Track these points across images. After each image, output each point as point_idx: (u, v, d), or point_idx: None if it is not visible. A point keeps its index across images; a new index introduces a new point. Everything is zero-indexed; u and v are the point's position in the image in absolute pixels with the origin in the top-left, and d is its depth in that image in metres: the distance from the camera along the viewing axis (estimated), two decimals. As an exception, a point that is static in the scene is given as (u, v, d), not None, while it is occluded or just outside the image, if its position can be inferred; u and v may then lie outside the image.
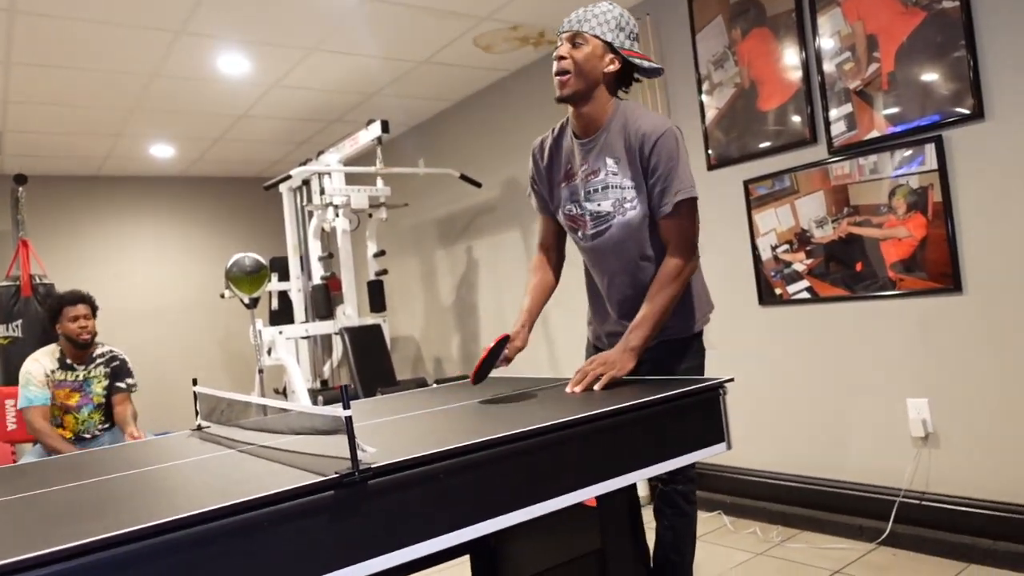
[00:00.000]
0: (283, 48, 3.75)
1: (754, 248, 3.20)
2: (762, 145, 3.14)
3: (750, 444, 3.31)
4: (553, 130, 2.08)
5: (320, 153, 4.89)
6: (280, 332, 4.50)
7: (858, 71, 2.79)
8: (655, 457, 1.43)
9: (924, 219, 2.63)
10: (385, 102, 4.82)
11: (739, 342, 3.30)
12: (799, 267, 3.05)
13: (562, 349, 4.30)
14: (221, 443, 1.53)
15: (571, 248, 2.14)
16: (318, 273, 4.76)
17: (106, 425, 3.40)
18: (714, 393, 1.57)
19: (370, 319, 4.67)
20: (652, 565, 2.01)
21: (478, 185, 4.66)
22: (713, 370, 1.91)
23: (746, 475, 3.32)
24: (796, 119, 3.01)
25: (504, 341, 1.92)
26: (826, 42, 2.89)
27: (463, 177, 4.62)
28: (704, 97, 3.37)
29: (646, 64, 1.90)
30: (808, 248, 3.00)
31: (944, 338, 2.63)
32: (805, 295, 3.03)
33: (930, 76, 2.58)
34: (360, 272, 5.05)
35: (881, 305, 2.80)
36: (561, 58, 1.85)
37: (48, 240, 5.70)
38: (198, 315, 6.40)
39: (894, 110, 2.69)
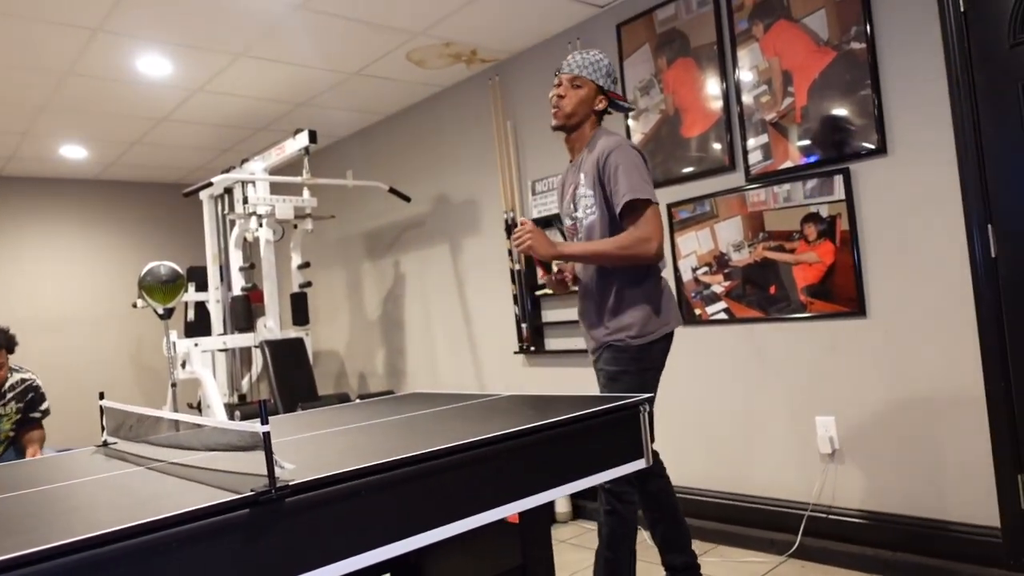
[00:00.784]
0: (209, 52, 3.64)
1: (675, 270, 3.31)
2: (685, 170, 3.25)
3: (667, 460, 3.37)
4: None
5: (244, 161, 4.76)
6: (196, 344, 4.33)
7: (774, 104, 2.94)
8: (576, 473, 1.46)
9: (833, 246, 2.78)
10: (314, 112, 4.74)
11: (660, 360, 3.38)
12: (717, 289, 3.16)
13: (488, 365, 4.31)
14: (128, 460, 1.46)
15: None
16: (239, 284, 4.61)
17: (8, 447, 3.18)
18: (634, 410, 1.61)
19: (292, 332, 4.55)
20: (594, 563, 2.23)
21: (407, 199, 4.63)
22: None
23: (665, 491, 3.39)
24: (717, 146, 3.13)
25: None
26: (745, 75, 3.03)
27: (392, 191, 4.59)
28: (631, 122, 3.47)
29: (625, 105, 2.38)
30: (726, 271, 3.12)
31: (850, 359, 2.78)
32: (723, 316, 3.15)
33: (839, 111, 2.74)
34: (283, 284, 4.92)
35: (793, 327, 2.93)
36: (561, 97, 2.27)
37: (-58, 242, 5.33)
38: (109, 325, 6.10)
39: (806, 142, 2.84)
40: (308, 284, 4.61)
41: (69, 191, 6.04)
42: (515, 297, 4.03)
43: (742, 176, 3.05)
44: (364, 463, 1.15)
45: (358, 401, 2.73)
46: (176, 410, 4.30)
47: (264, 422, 1.03)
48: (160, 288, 4.14)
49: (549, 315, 3.94)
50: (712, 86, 3.14)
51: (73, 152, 5.24)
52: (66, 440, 4.68)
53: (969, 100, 2.43)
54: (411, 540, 1.18)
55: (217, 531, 0.97)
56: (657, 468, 2.40)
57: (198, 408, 4.74)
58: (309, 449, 1.38)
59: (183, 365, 4.29)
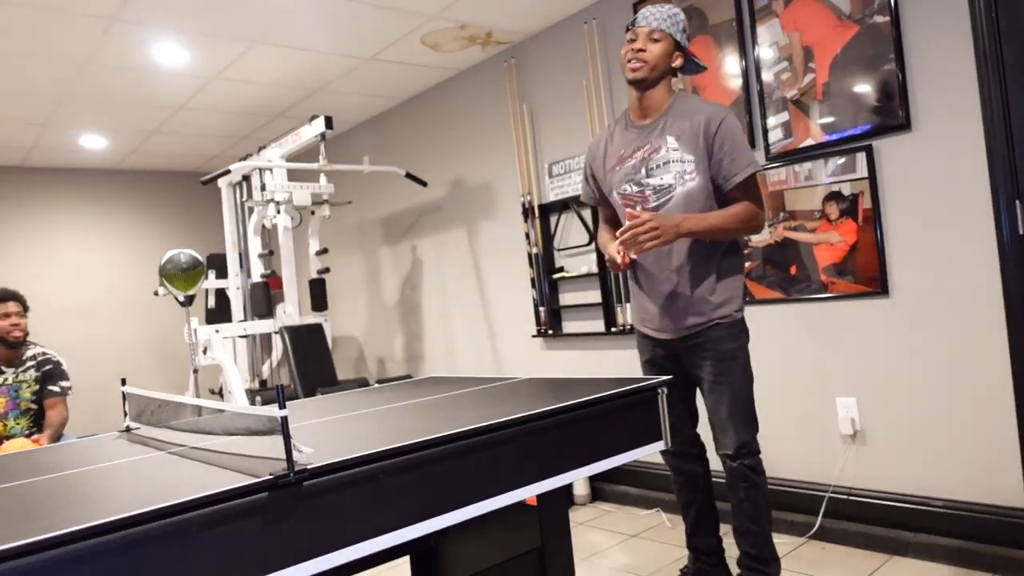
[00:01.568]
0: (225, 39, 3.64)
1: (694, 251, 3.27)
2: (703, 150, 3.21)
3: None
4: (608, 127, 2.37)
5: (261, 148, 4.78)
6: (216, 331, 4.38)
7: (795, 81, 2.88)
8: (594, 455, 1.45)
9: (855, 225, 2.74)
10: (330, 98, 4.74)
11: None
12: (737, 270, 3.13)
13: (506, 348, 4.31)
14: (150, 445, 1.48)
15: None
16: (258, 271, 4.64)
17: (33, 430, 3.24)
18: (652, 393, 1.60)
19: (311, 318, 4.58)
20: (735, 534, 2.23)
21: (424, 184, 4.63)
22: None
23: (685, 473, 3.38)
24: (736, 126, 3.08)
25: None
26: (765, 51, 2.97)
27: (408, 175, 4.58)
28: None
29: (700, 63, 2.23)
30: (746, 251, 3.08)
31: (872, 340, 2.74)
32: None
33: (862, 87, 2.69)
34: (301, 270, 4.95)
35: (814, 307, 2.90)
36: (640, 50, 2.11)
37: (-33, 233, 5.41)
38: (130, 313, 6.17)
39: (828, 119, 2.79)
40: (326, 270, 4.63)
41: (90, 181, 6.10)
42: (532, 280, 4.01)
43: (762, 155, 3.00)
44: (382, 447, 1.15)
45: (377, 386, 2.74)
46: (198, 396, 4.36)
47: (282, 406, 1.04)
48: (181, 276, 4.18)
49: (566, 298, 3.92)
50: (731, 64, 3.08)
51: (93, 142, 5.29)
52: (89, 426, 4.76)
53: (997, 74, 2.37)
54: (429, 523, 1.18)
55: (237, 514, 0.98)
56: (696, 450, 2.39)
57: (219, 394, 4.80)
58: (328, 433, 1.39)
59: (204, 352, 4.33)
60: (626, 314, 3.59)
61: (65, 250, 5.96)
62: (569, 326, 3.93)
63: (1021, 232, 2.36)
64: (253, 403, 4.21)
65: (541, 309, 3.97)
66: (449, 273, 4.73)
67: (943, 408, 2.57)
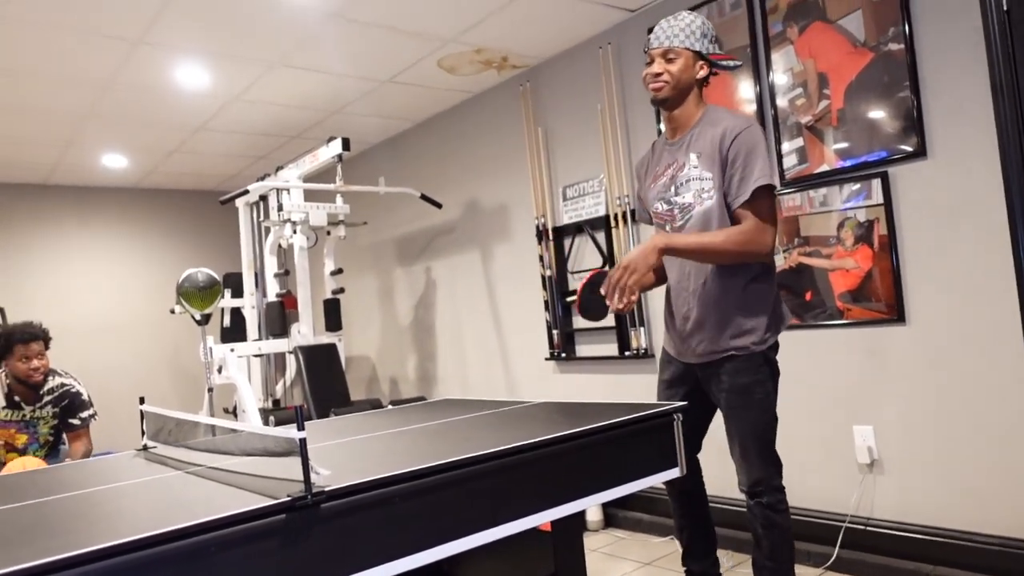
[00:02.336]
0: (245, 62, 3.71)
1: (709, 275, 3.26)
2: (718, 175, 3.21)
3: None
4: (653, 145, 2.29)
5: (279, 169, 4.84)
6: (232, 350, 4.40)
7: (809, 107, 2.89)
8: (609, 482, 1.44)
9: (871, 251, 2.73)
10: (347, 119, 4.80)
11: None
12: (752, 295, 3.11)
13: (519, 371, 4.31)
14: (168, 464, 1.49)
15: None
16: (273, 290, 4.67)
17: (48, 459, 3.24)
18: (668, 419, 1.59)
19: (325, 338, 4.60)
20: (752, 565, 2.13)
21: (438, 206, 4.66)
22: (668, 395, 1.93)
23: (698, 499, 3.34)
24: (750, 151, 3.09)
25: (602, 275, 1.96)
26: (779, 77, 2.99)
27: (423, 197, 4.62)
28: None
29: (731, 64, 2.12)
30: (761, 276, 3.07)
31: (888, 367, 2.72)
32: (757, 322, 3.10)
33: (877, 114, 2.69)
34: (316, 290, 4.98)
35: (829, 334, 2.88)
36: (657, 75, 2.04)
37: (-11, 250, 5.49)
38: (146, 331, 6.22)
39: (843, 145, 2.79)
40: (341, 290, 4.66)
41: (110, 199, 6.19)
42: (546, 303, 4.02)
43: (777, 180, 3.00)
44: (398, 470, 1.15)
45: (390, 407, 2.74)
46: (212, 414, 4.37)
47: (300, 428, 1.04)
48: (198, 294, 4.21)
49: (580, 321, 3.92)
50: (745, 89, 3.10)
51: (114, 161, 5.37)
52: (103, 443, 4.78)
53: (1013, 101, 2.37)
54: (443, 547, 1.18)
55: (255, 536, 0.98)
56: (691, 466, 2.34)
57: (233, 413, 4.81)
58: (343, 455, 1.39)
59: (219, 370, 4.35)
60: (640, 338, 3.58)
61: (85, 268, 6.03)
62: (583, 349, 3.92)
63: (1040, 260, 2.35)
64: (267, 422, 4.22)
65: (555, 332, 3.97)
66: (462, 294, 4.74)
67: (962, 437, 2.54)
